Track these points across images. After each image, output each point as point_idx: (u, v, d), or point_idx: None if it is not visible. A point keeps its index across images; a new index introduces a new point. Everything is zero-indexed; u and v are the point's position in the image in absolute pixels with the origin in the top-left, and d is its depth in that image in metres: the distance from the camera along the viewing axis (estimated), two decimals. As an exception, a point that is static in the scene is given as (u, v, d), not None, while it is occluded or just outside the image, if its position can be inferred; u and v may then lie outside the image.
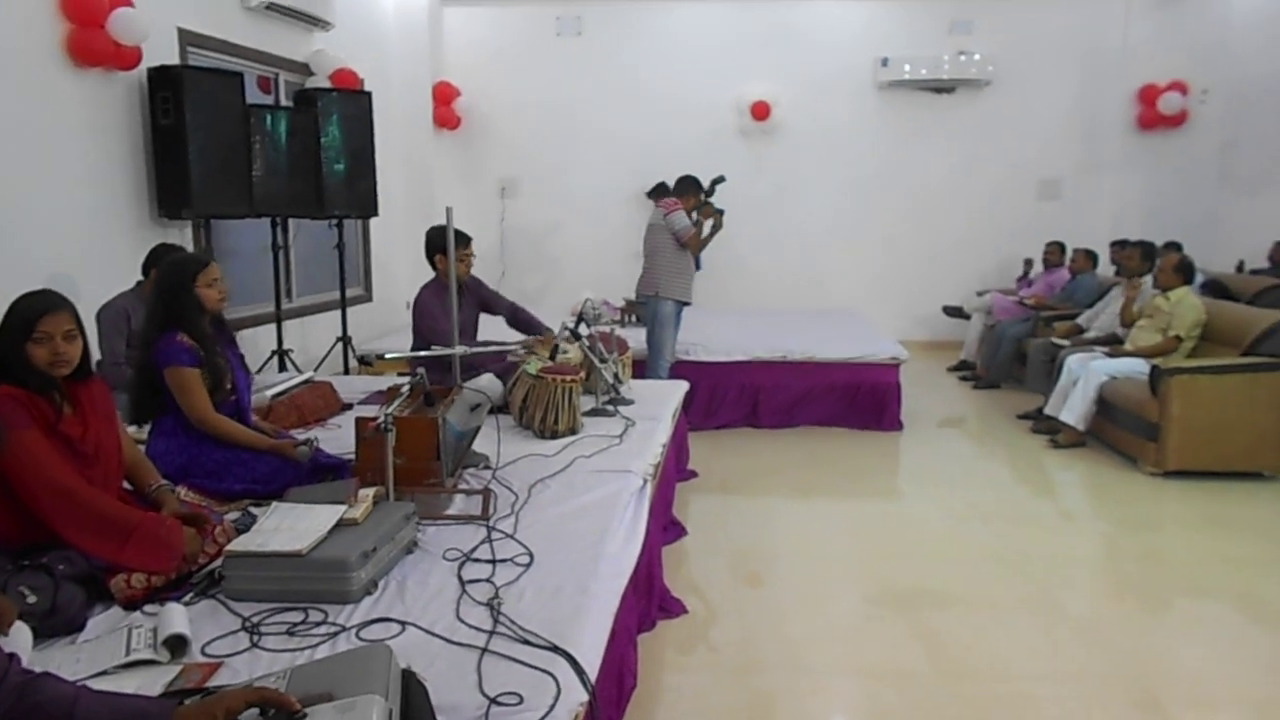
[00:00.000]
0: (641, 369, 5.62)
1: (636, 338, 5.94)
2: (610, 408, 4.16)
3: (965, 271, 8.88)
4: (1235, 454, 4.98)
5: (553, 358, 4.14)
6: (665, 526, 4.01)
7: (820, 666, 3.06)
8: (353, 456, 2.97)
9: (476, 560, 2.48)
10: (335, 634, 2.06)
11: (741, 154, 8.95)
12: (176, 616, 2.02)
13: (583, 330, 4.35)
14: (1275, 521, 4.56)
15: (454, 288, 3.74)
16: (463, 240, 4.34)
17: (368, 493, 2.53)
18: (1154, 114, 8.44)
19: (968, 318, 8.04)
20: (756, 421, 6.08)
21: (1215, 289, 6.89)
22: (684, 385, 4.92)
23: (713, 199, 5.66)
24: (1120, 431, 5.38)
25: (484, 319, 4.89)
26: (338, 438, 3.58)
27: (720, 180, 5.62)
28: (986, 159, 8.90)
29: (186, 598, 2.23)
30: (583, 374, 4.05)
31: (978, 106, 8.84)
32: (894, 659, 3.11)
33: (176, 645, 1.94)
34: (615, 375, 4.39)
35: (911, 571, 3.88)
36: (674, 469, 4.47)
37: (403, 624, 2.10)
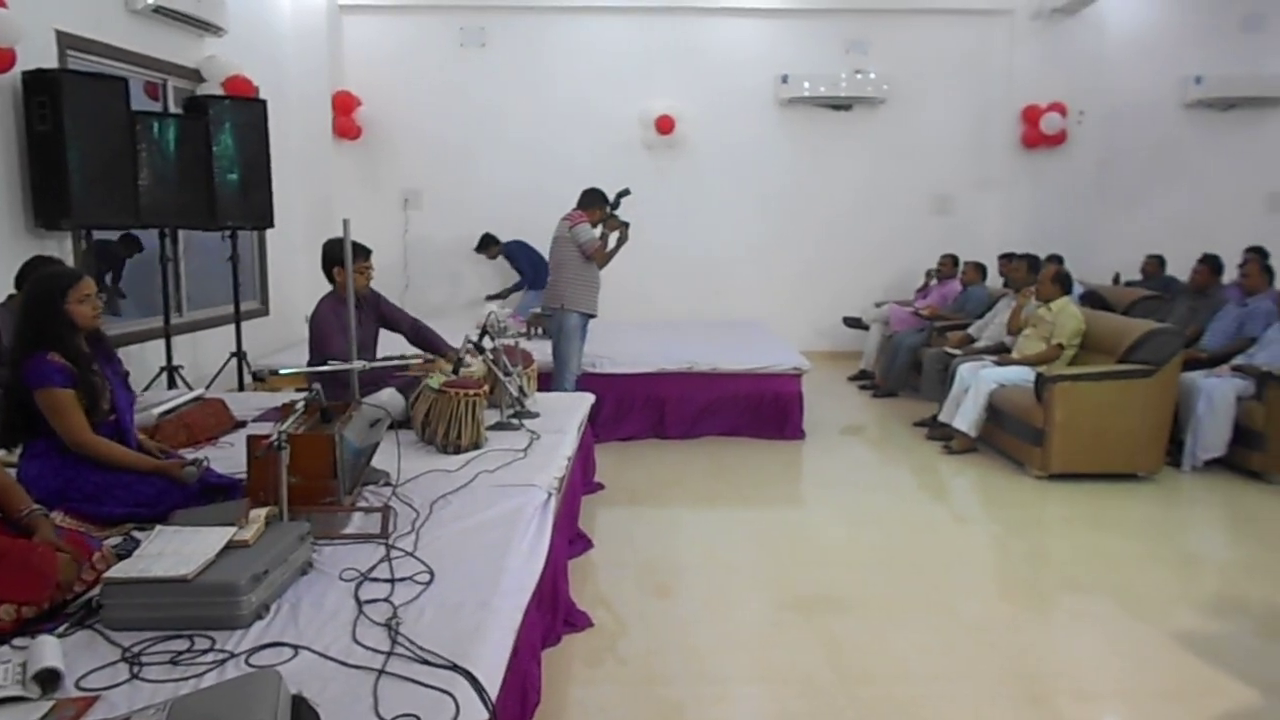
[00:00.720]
0: (547, 382, 5.59)
1: (543, 350, 5.92)
2: (515, 421, 4.13)
3: (864, 283, 9.13)
4: (1113, 456, 5.25)
5: (456, 371, 4.10)
6: (571, 540, 3.99)
7: (726, 675, 3.10)
8: (245, 476, 2.87)
9: (375, 580, 2.42)
10: (223, 661, 1.99)
11: (647, 167, 9.03)
12: (48, 649, 1.91)
13: (487, 343, 4.32)
14: (1148, 520, 4.82)
15: (351, 301, 3.66)
16: (361, 253, 4.25)
17: (260, 513, 2.44)
18: (1037, 133, 8.85)
19: (867, 328, 8.28)
20: (663, 432, 6.12)
21: (1093, 300, 7.27)
22: (590, 398, 4.92)
23: (618, 211, 5.69)
24: (1008, 437, 5.61)
25: (387, 333, 4.79)
26: (230, 457, 3.46)
27: (625, 193, 5.66)
28: (884, 174, 9.19)
29: (60, 629, 2.11)
30: (486, 388, 4.02)
31: (874, 124, 9.13)
32: (797, 665, 3.16)
33: (48, 680, 1.84)
34: (520, 388, 4.36)
35: (813, 578, 3.97)
36: (580, 482, 4.46)
37: (295, 648, 2.04)
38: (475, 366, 4.41)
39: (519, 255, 8.44)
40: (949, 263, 8.26)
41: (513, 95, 8.90)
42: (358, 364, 3.62)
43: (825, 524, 4.75)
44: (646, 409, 6.15)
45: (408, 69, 8.86)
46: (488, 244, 8.64)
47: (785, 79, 8.92)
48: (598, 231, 5.64)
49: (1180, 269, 7.43)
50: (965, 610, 3.68)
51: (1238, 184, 9.13)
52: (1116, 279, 8.44)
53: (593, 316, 5.81)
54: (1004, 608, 3.80)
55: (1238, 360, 5.52)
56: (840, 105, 9.06)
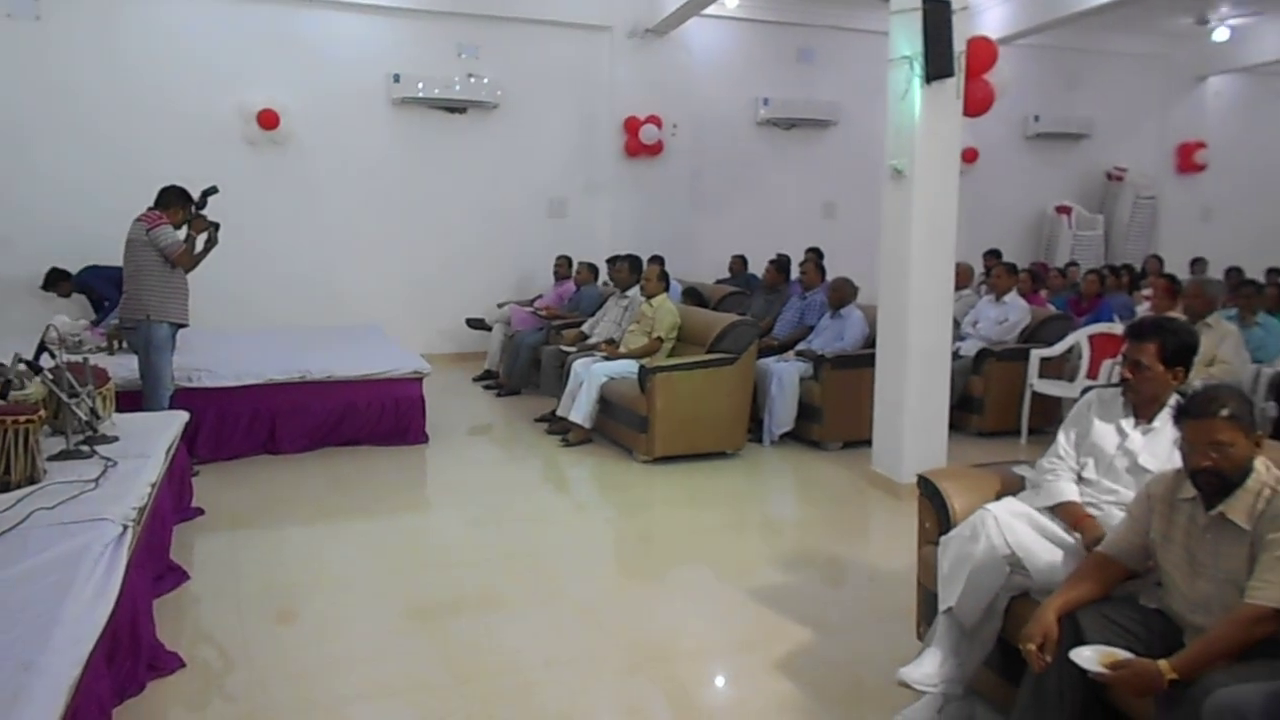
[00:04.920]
0: (133, 401, 4.99)
1: (129, 366, 5.29)
2: (85, 448, 3.63)
3: (487, 284, 9.25)
4: (706, 438, 5.83)
5: (4, 395, 3.51)
6: (160, 575, 3.61)
7: (338, 695, 2.98)
8: None
9: (-125, 656, 2.00)
10: None
11: (251, 164, 8.41)
12: None
13: (45, 361, 3.75)
14: (736, 492, 5.43)
15: None
16: None
17: None
18: (637, 143, 9.55)
19: (490, 329, 8.41)
20: (275, 448, 5.74)
21: (693, 296, 8.03)
22: (182, 416, 4.47)
23: (205, 211, 5.21)
24: (619, 426, 6.01)
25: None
26: None
27: (213, 191, 5.19)
28: (501, 178, 9.38)
29: None
30: (44, 412, 3.49)
31: (489, 128, 9.28)
32: (412, 673, 3.13)
33: None
34: (92, 410, 3.84)
35: (433, 582, 3.95)
36: (170, 509, 4.04)
37: None
38: (31, 389, 3.81)
39: (96, 283, 7.38)
40: (564, 264, 8.65)
41: (78, 79, 7.80)
42: None
43: (446, 527, 4.76)
44: (255, 424, 5.72)
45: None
46: (57, 280, 7.48)
47: (397, 78, 8.77)
48: (182, 233, 5.13)
49: (760, 267, 8.42)
50: (577, 594, 3.89)
51: (801, 193, 10.57)
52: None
53: (184, 326, 5.28)
54: (613, 587, 4.07)
55: (800, 346, 6.40)
56: (455, 108, 9.09)
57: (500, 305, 8.62)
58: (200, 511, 4.61)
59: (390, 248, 9.05)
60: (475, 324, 8.61)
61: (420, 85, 8.80)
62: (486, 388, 8.00)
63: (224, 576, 3.94)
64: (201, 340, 6.14)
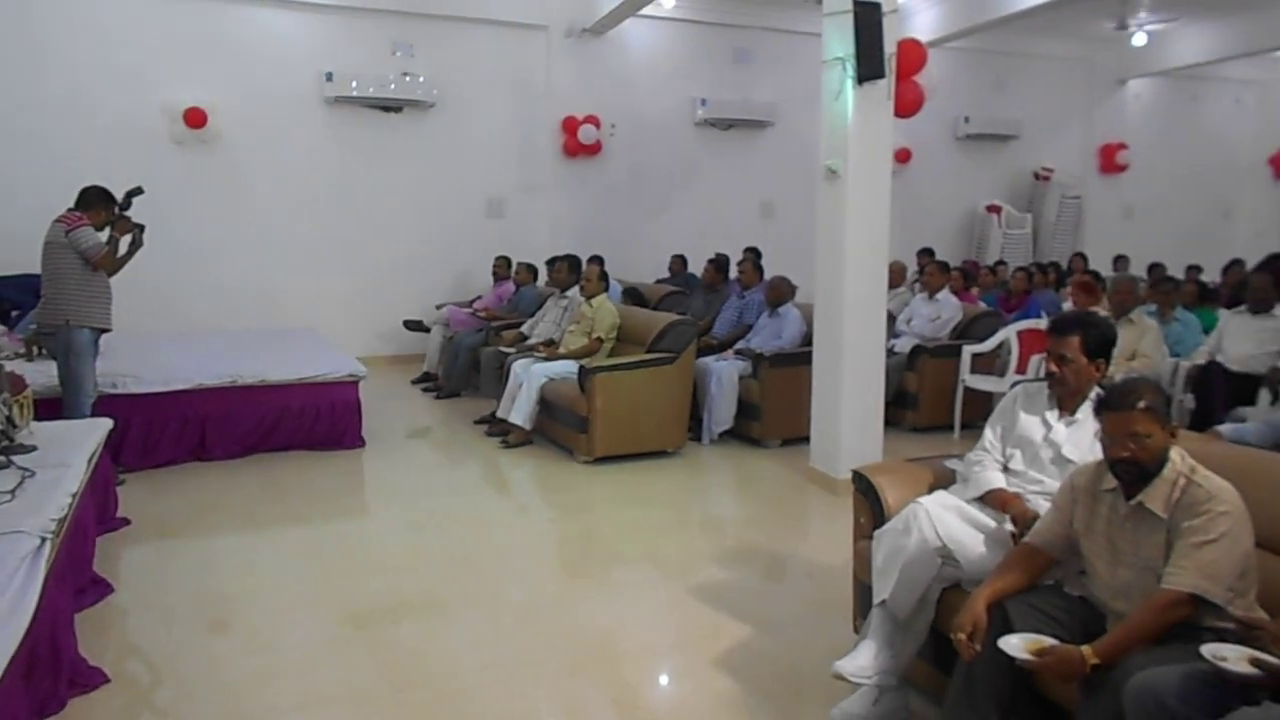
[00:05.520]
0: (53, 409, 4.82)
1: (47, 373, 5.11)
2: (1, 459, 3.50)
3: (425, 286, 9.14)
4: (646, 437, 5.84)
5: (-89, 406, 3.37)
6: (81, 589, 3.49)
7: (270, 706, 2.92)
8: None
9: None
10: None
11: (177, 164, 8.20)
12: None
13: (-44, 369, 3.60)
14: (677, 490, 5.45)
15: None
16: None
17: None
18: (576, 143, 9.53)
19: (428, 330, 8.31)
20: (205, 454, 5.60)
21: (633, 296, 8.04)
22: (105, 423, 4.33)
23: (129, 212, 5.05)
24: (559, 426, 5.99)
25: None
26: None
27: (138, 191, 5.04)
28: (438, 178, 9.28)
29: None
30: (-44, 422, 3.35)
31: (426, 127, 9.17)
32: (349, 681, 3.08)
33: None
34: (8, 419, 3.70)
35: (370, 589, 3.89)
36: (93, 520, 3.91)
37: None
38: (-58, 398, 3.66)
39: (6, 292, 7.11)
40: (503, 264, 8.59)
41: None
42: None
43: (384, 532, 4.69)
44: (184, 430, 5.57)
45: None
46: None
47: (330, 76, 8.62)
48: (104, 235, 4.96)
49: (699, 266, 8.46)
50: (518, 596, 3.86)
51: (739, 193, 10.65)
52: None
53: (106, 330, 5.11)
54: (554, 588, 4.05)
55: (739, 345, 6.45)
56: (390, 107, 8.97)
57: (438, 307, 8.52)
58: (126, 522, 4.47)
59: (325, 249, 8.89)
60: (413, 326, 8.50)
61: (354, 84, 8.66)
62: (425, 390, 7.91)
63: (151, 588, 3.83)
64: (127, 345, 5.97)
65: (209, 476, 5.38)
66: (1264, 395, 5.08)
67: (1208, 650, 1.92)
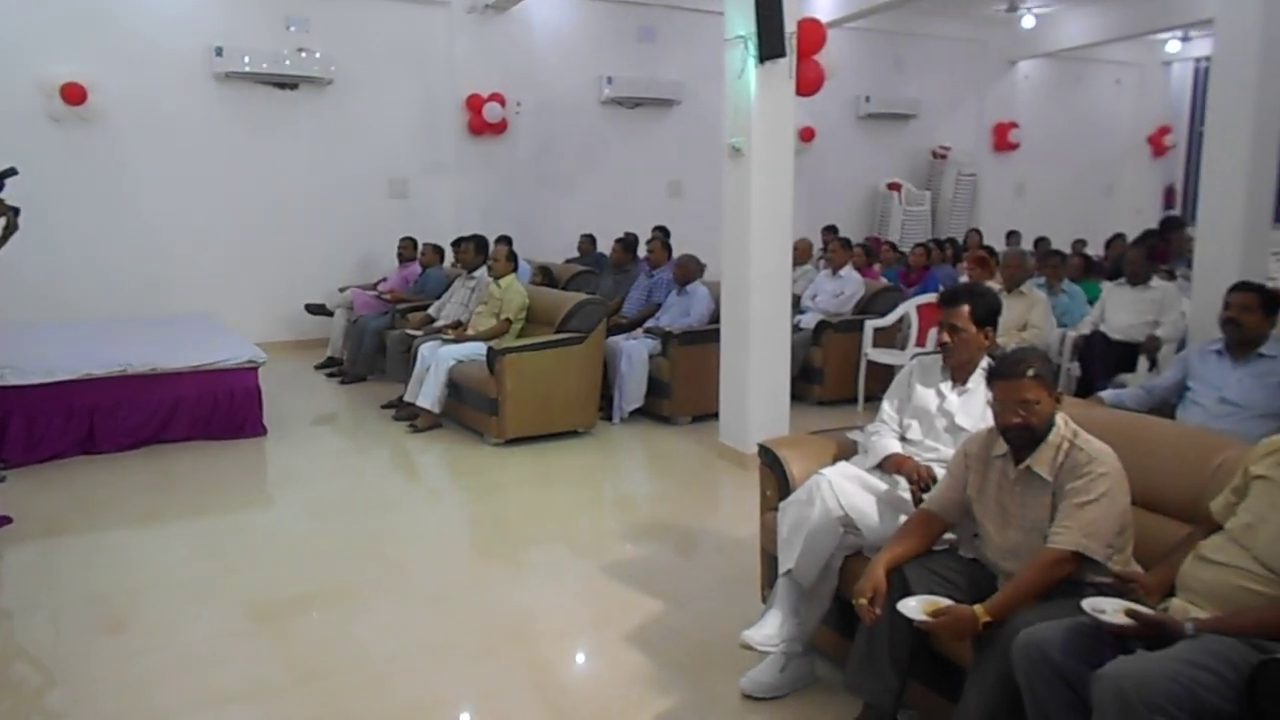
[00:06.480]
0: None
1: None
2: None
3: (327, 268, 8.90)
4: (557, 417, 5.82)
5: None
6: (-40, 592, 3.31)
7: (169, 705, 2.82)
8: None
9: None
10: None
11: (55, 143, 7.77)
12: None
13: None
14: (589, 469, 5.46)
15: None
16: None
17: None
18: (481, 121, 9.38)
19: (331, 314, 8.10)
20: (94, 448, 5.35)
21: (544, 276, 7.99)
22: (-18, 418, 4.10)
23: (2, 195, 4.75)
24: (468, 409, 5.92)
25: None
26: None
27: (10, 173, 4.74)
28: (338, 157, 9.01)
29: None
30: None
31: (324, 105, 8.89)
32: (252, 676, 3.00)
33: None
34: None
35: (274, 580, 3.79)
36: (-29, 520, 3.71)
37: None
38: None
39: None
40: (409, 245, 8.42)
41: None
42: None
43: (288, 521, 4.57)
44: (70, 423, 5.31)
45: None
46: None
47: (220, 51, 8.27)
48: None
49: (608, 246, 8.44)
50: (429, 582, 3.82)
51: (647, 172, 10.66)
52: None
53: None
54: (465, 572, 4.02)
55: (648, 323, 6.48)
56: (285, 84, 8.67)
57: (342, 290, 8.31)
58: (8, 520, 4.25)
59: (221, 232, 8.56)
60: (315, 309, 8.26)
61: (246, 59, 8.33)
62: (329, 375, 7.72)
63: (38, 588, 3.66)
64: (5, 335, 5.68)
65: (99, 471, 5.14)
66: (1143, 362, 5.37)
67: (1087, 604, 2.03)
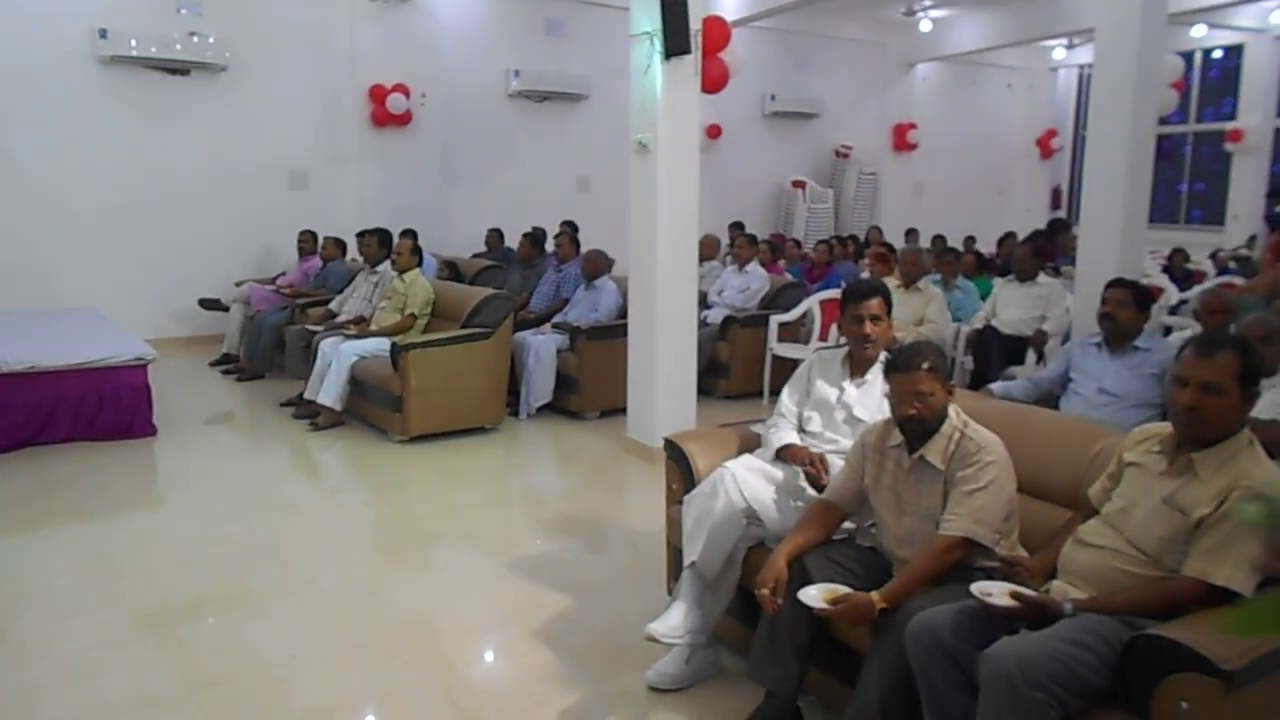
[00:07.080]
0: None
1: None
2: None
3: (223, 262, 8.57)
4: (463, 413, 5.75)
5: None
6: None
7: (51, 718, 2.68)
8: None
9: None
10: None
11: (-80, 126, 7.28)
12: None
13: None
14: (496, 466, 5.41)
15: None
16: None
17: None
18: (385, 113, 9.18)
19: (226, 309, 7.82)
20: (-34, 451, 5.05)
21: (450, 270, 7.86)
22: None
23: None
24: (371, 406, 5.80)
25: None
26: None
27: None
28: (234, 147, 8.69)
29: None
30: None
31: (218, 93, 8.56)
32: (140, 687, 2.87)
33: None
34: None
35: (164, 586, 3.64)
36: None
37: None
38: None
39: None
40: (309, 239, 8.19)
41: None
42: None
43: (180, 524, 4.39)
44: (-61, 425, 5.00)
45: None
46: None
47: (104, 34, 7.87)
48: None
49: (516, 240, 8.37)
50: (329, 583, 3.72)
51: (556, 166, 10.60)
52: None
53: None
54: (368, 572, 3.93)
55: (556, 318, 6.45)
56: (176, 69, 8.31)
57: (238, 284, 8.03)
58: None
59: (107, 223, 8.16)
60: (210, 304, 7.96)
61: (133, 43, 7.95)
62: (225, 372, 7.45)
63: (-98, 602, 3.43)
64: None
65: (-29, 475, 4.86)
66: (1031, 355, 5.61)
67: (975, 588, 2.11)
